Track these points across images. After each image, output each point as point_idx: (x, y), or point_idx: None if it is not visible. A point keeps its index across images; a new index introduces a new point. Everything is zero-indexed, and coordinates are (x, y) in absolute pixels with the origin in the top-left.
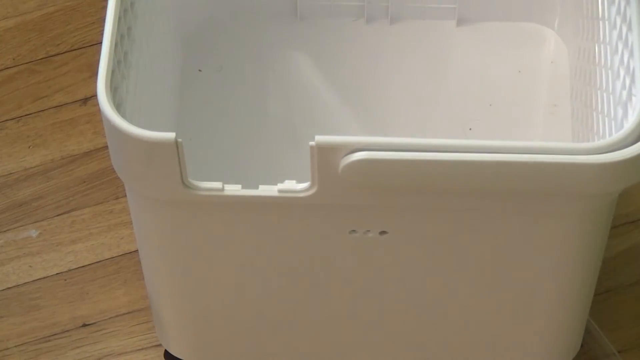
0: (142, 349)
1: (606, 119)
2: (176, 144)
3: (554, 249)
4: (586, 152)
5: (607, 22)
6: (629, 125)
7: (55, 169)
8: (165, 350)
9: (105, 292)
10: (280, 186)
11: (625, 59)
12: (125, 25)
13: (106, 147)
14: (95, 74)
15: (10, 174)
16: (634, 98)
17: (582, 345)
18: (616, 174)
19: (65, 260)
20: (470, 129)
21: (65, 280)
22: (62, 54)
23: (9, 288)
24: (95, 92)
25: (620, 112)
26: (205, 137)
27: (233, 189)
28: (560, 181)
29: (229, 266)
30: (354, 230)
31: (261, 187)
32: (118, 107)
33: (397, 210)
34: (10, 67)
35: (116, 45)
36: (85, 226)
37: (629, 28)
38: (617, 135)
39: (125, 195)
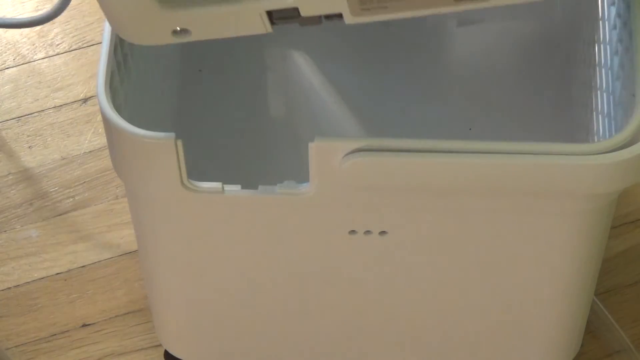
0: (142, 349)
1: (606, 119)
2: (176, 144)
3: (554, 249)
4: (586, 153)
5: (607, 22)
6: (629, 125)
7: (55, 169)
8: (165, 350)
9: (105, 292)
10: (279, 186)
11: (625, 60)
12: None
13: (106, 147)
14: (95, 74)
15: (10, 174)
16: (634, 98)
17: (582, 345)
18: (616, 174)
19: (65, 260)
20: (470, 129)
21: (65, 280)
22: (62, 54)
23: (9, 288)
24: (95, 92)
25: (620, 112)
26: (205, 137)
27: (233, 189)
28: (560, 181)
29: (228, 266)
30: (353, 231)
31: (261, 187)
32: (118, 107)
33: (397, 210)
34: (10, 67)
35: (116, 45)
36: (85, 226)
37: (629, 29)
38: (617, 136)
39: (125, 195)
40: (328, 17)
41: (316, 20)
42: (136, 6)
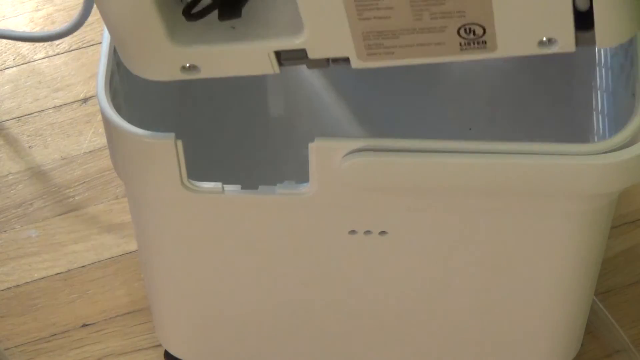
0: (142, 349)
1: (606, 119)
2: (175, 144)
3: (554, 248)
4: (586, 153)
5: None
6: (629, 125)
7: (55, 169)
8: (165, 351)
9: (105, 292)
10: (280, 186)
11: (625, 60)
12: None
13: (106, 147)
14: (95, 74)
15: (10, 174)
16: (634, 98)
17: (582, 345)
18: (616, 175)
19: (65, 260)
20: (470, 129)
21: (65, 280)
22: (62, 54)
23: (9, 288)
24: (95, 92)
25: (620, 112)
26: (205, 137)
27: (233, 190)
28: (560, 181)
29: (228, 266)
30: (353, 231)
31: (261, 187)
32: (118, 107)
33: (397, 210)
34: (10, 67)
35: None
36: (85, 226)
37: None
38: (617, 136)
39: (125, 195)
40: (335, 60)
41: (323, 63)
42: (149, 41)
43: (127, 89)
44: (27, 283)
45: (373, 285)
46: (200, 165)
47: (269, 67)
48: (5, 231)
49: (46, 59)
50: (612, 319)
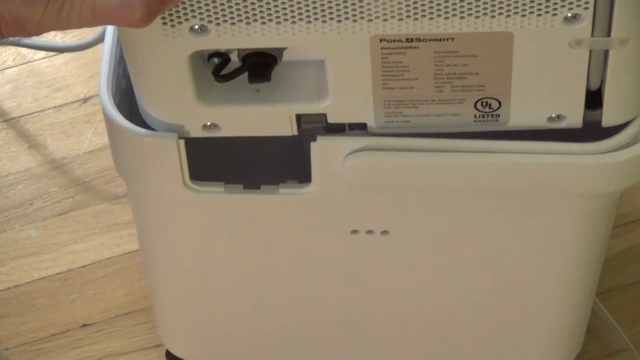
0: (142, 349)
1: None
2: (178, 144)
3: (555, 248)
4: (587, 152)
5: None
6: (630, 125)
7: (55, 169)
8: (167, 350)
9: (105, 292)
10: (282, 186)
11: None
12: None
13: (106, 147)
14: (95, 73)
15: (10, 174)
16: None
17: (582, 345)
18: (617, 174)
19: (65, 260)
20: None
21: (65, 280)
22: (62, 54)
23: (8, 288)
24: (96, 92)
25: None
26: (207, 137)
27: (234, 189)
28: (561, 181)
29: (230, 266)
30: (355, 231)
31: (263, 187)
32: (119, 106)
33: (398, 210)
34: (10, 67)
35: (117, 44)
36: (85, 226)
37: None
38: (617, 136)
39: (125, 195)
40: (352, 125)
41: (341, 127)
42: (176, 99)
43: (128, 88)
44: (27, 283)
45: (375, 285)
46: (203, 164)
47: (289, 129)
48: (5, 231)
49: (46, 59)
50: (612, 319)
